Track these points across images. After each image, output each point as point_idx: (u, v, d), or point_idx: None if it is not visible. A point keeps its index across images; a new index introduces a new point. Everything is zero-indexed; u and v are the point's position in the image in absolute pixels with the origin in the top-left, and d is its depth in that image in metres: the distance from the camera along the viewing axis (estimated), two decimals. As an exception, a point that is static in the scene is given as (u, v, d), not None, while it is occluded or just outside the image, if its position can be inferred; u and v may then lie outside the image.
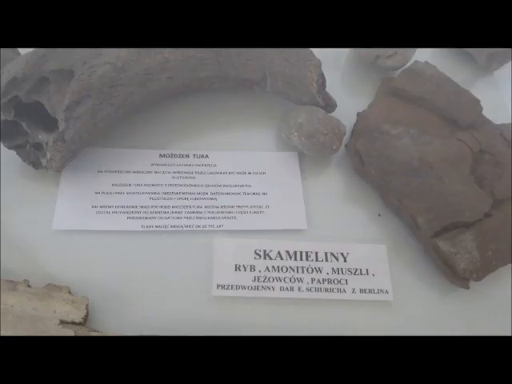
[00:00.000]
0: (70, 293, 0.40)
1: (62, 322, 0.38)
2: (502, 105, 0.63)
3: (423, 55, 0.62)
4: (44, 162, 0.44)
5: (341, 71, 0.62)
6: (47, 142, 0.43)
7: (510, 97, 0.64)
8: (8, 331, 0.37)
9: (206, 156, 0.51)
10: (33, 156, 0.45)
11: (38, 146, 0.44)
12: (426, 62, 0.60)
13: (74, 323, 0.38)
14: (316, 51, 0.53)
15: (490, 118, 0.58)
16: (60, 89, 0.42)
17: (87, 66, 0.43)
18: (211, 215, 0.47)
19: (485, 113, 0.58)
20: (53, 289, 0.40)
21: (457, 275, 0.45)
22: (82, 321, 0.38)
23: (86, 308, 0.39)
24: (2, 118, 0.42)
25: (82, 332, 0.38)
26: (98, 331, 0.38)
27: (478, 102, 0.57)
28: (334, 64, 0.61)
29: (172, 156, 0.50)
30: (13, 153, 0.45)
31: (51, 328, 0.37)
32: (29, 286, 0.40)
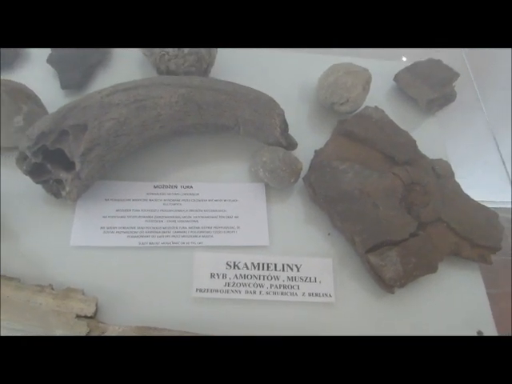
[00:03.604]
0: (83, 294, 0.52)
1: (78, 316, 0.50)
2: (439, 142, 0.76)
3: (377, 99, 0.75)
4: (64, 193, 0.57)
5: (305, 115, 0.75)
6: (67, 179, 0.55)
7: (446, 135, 0.76)
8: (37, 322, 0.49)
9: (191, 187, 0.63)
10: (55, 189, 0.58)
11: (59, 182, 0.57)
12: (376, 107, 0.73)
13: (86, 317, 0.50)
14: (282, 100, 0.66)
15: (429, 153, 0.70)
16: (77, 139, 0.55)
17: (97, 122, 0.56)
18: (193, 234, 0.59)
19: (424, 149, 0.70)
20: (70, 291, 0.52)
21: (384, 283, 0.57)
22: (92, 315, 0.50)
23: (96, 305, 0.51)
24: (33, 161, 0.55)
25: (93, 323, 0.50)
26: (104, 323, 0.51)
27: (414, 141, 0.69)
28: (299, 109, 0.75)
29: (163, 187, 0.63)
30: (39, 186, 0.58)
31: (70, 320, 0.50)
32: (52, 288, 0.52)
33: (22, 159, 0.55)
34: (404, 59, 1.36)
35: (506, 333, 0.67)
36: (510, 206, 0.99)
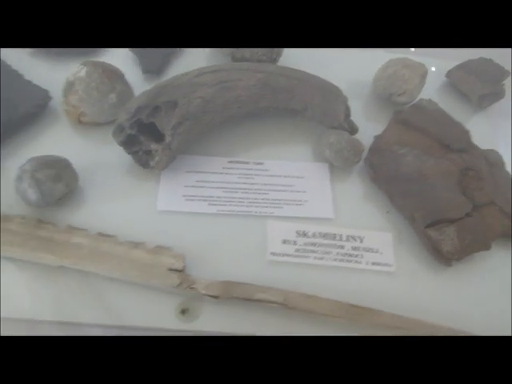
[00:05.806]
0: (172, 251, 0.59)
1: (170, 269, 0.56)
2: (490, 135, 0.80)
3: (428, 92, 0.80)
4: (152, 163, 0.63)
5: (364, 104, 0.80)
6: (157, 150, 0.62)
7: (497, 129, 0.81)
8: (135, 272, 0.56)
9: (262, 163, 0.69)
10: (143, 159, 0.64)
11: (149, 153, 0.63)
12: (430, 100, 0.78)
13: (177, 270, 0.56)
14: (347, 89, 0.72)
15: (480, 145, 0.75)
16: (168, 114, 0.61)
17: (187, 99, 0.62)
18: (265, 205, 0.65)
19: (476, 141, 0.75)
20: (161, 248, 0.58)
21: (442, 256, 0.61)
22: (182, 269, 0.56)
23: (184, 261, 0.57)
24: (128, 132, 0.61)
25: (183, 276, 0.56)
26: (192, 276, 0.57)
27: (467, 132, 0.74)
28: (360, 99, 0.80)
29: (237, 162, 0.69)
30: (127, 157, 0.64)
31: (163, 272, 0.56)
32: (145, 246, 0.59)
33: (118, 131, 0.62)
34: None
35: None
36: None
